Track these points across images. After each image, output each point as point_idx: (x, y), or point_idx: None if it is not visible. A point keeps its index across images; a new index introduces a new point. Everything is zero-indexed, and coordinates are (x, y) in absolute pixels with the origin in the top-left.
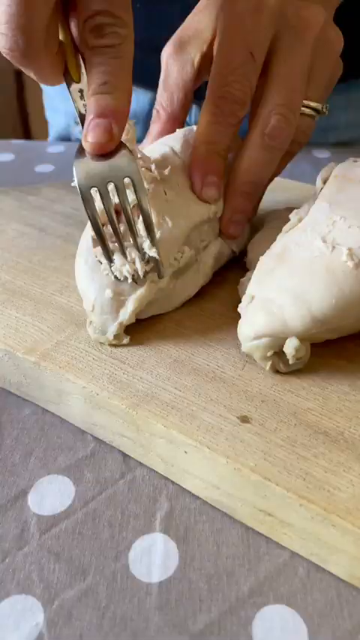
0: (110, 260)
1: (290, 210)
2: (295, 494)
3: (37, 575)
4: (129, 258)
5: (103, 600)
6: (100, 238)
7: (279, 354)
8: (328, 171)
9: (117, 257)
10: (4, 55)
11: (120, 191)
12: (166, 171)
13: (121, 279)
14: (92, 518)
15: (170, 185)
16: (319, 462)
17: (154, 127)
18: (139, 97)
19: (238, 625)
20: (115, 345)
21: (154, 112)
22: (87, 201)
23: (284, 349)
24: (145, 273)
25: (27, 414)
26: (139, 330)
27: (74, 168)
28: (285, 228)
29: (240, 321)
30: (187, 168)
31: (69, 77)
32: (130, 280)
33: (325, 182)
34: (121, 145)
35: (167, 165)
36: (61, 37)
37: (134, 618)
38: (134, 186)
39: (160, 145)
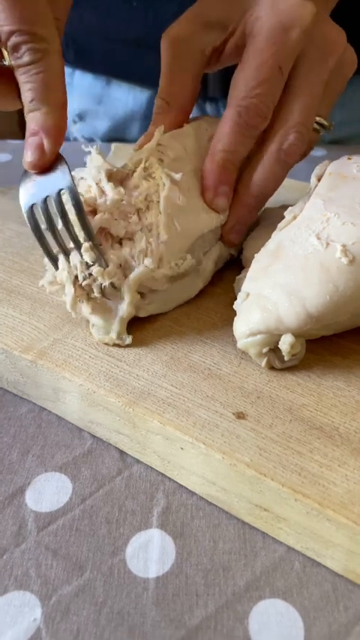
0: (57, 267)
1: (285, 208)
2: (291, 489)
3: (35, 571)
4: (71, 263)
5: (101, 596)
6: (44, 250)
7: (274, 350)
8: (322, 168)
9: (60, 263)
10: None
11: (56, 203)
12: (180, 176)
13: (62, 283)
14: (89, 514)
15: (182, 189)
16: (314, 457)
17: (163, 118)
18: (136, 96)
19: (235, 619)
20: (118, 345)
21: (161, 101)
22: (29, 218)
23: (279, 346)
24: (87, 276)
25: (24, 412)
26: (136, 328)
27: (20, 189)
28: (279, 225)
29: (235, 318)
30: (197, 171)
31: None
32: (69, 287)
33: (319, 179)
34: (58, 159)
35: (181, 167)
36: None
37: (131, 613)
38: (71, 196)
39: (172, 141)
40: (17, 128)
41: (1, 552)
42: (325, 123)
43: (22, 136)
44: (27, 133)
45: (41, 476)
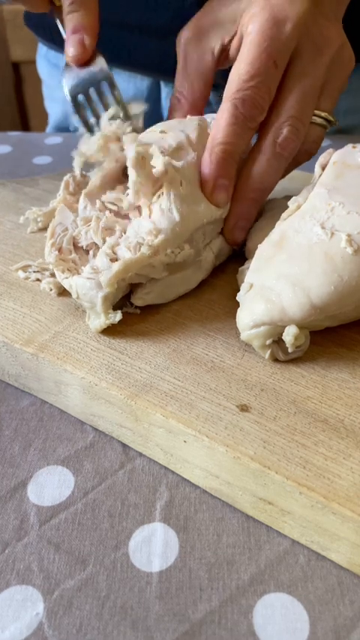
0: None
1: (289, 198)
2: (295, 483)
3: (37, 565)
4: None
5: (104, 590)
6: (86, 128)
7: (278, 342)
8: (327, 157)
9: (96, 130)
10: None
11: (99, 92)
12: (182, 164)
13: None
14: (92, 508)
15: (184, 177)
16: (319, 450)
17: (175, 114)
18: (136, 84)
19: (239, 613)
20: (110, 326)
21: (174, 99)
22: (76, 103)
23: (283, 337)
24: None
25: (26, 405)
26: (138, 320)
27: (64, 80)
28: (283, 215)
29: (238, 310)
30: (199, 163)
31: (54, 4)
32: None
33: (323, 168)
34: (96, 53)
35: (182, 156)
36: None
37: (134, 607)
38: (110, 84)
39: (176, 132)
40: (18, 120)
41: (3, 546)
42: (330, 118)
43: (23, 129)
44: (67, 32)
45: (43, 469)
